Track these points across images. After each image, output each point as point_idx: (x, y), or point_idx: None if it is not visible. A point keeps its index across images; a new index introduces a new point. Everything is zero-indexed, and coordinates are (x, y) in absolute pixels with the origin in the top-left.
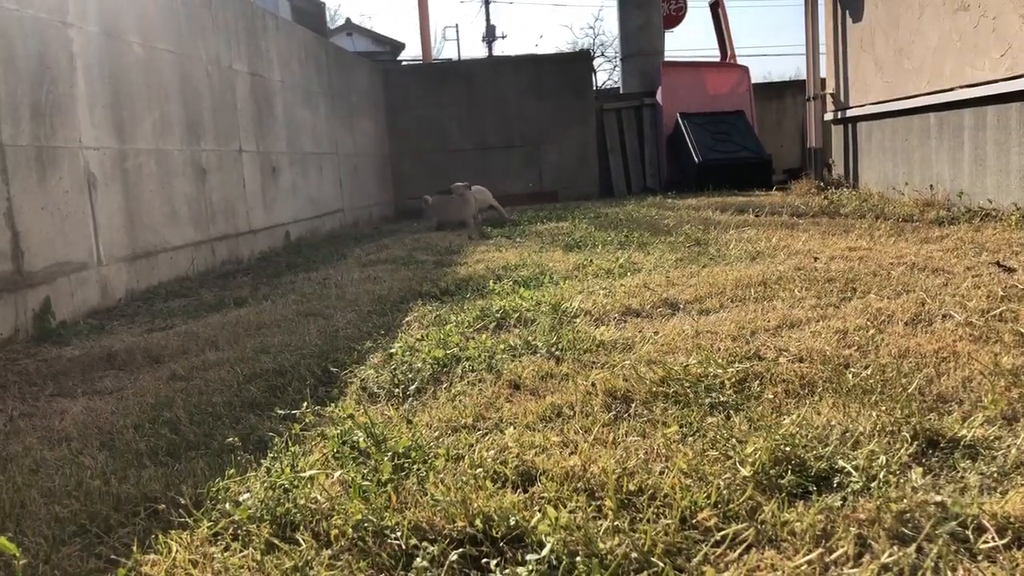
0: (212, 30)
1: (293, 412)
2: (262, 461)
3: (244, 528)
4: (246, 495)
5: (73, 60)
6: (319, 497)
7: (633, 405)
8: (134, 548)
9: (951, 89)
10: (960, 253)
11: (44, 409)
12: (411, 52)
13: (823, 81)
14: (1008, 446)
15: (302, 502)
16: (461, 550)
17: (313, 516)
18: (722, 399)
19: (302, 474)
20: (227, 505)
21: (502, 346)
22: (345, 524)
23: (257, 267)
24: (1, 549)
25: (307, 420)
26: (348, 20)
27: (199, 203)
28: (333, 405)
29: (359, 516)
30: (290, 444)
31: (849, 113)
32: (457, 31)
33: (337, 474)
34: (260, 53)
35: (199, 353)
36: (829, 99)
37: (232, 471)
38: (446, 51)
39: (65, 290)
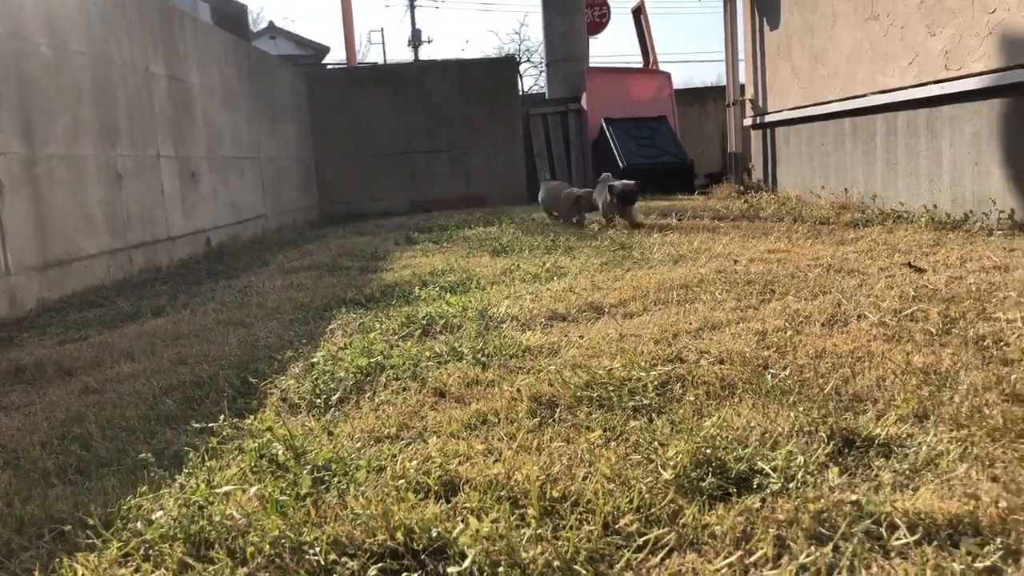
0: (127, 32)
1: (210, 425)
2: (177, 477)
3: (156, 548)
4: (159, 513)
5: None
6: (235, 513)
7: (558, 410)
8: (36, 573)
9: (864, 95)
10: (874, 254)
11: None
12: (336, 56)
13: (743, 87)
14: (919, 443)
15: (217, 519)
16: (381, 564)
17: (229, 533)
18: (645, 402)
19: (218, 490)
20: (139, 524)
21: (427, 353)
22: (262, 541)
23: (176, 275)
24: None
25: (225, 433)
26: (271, 23)
27: (115, 210)
28: (252, 417)
29: (276, 532)
30: (207, 459)
31: (768, 118)
32: (382, 35)
33: (254, 489)
34: (179, 56)
35: (113, 365)
36: (748, 105)
37: (144, 488)
38: (371, 55)
39: None
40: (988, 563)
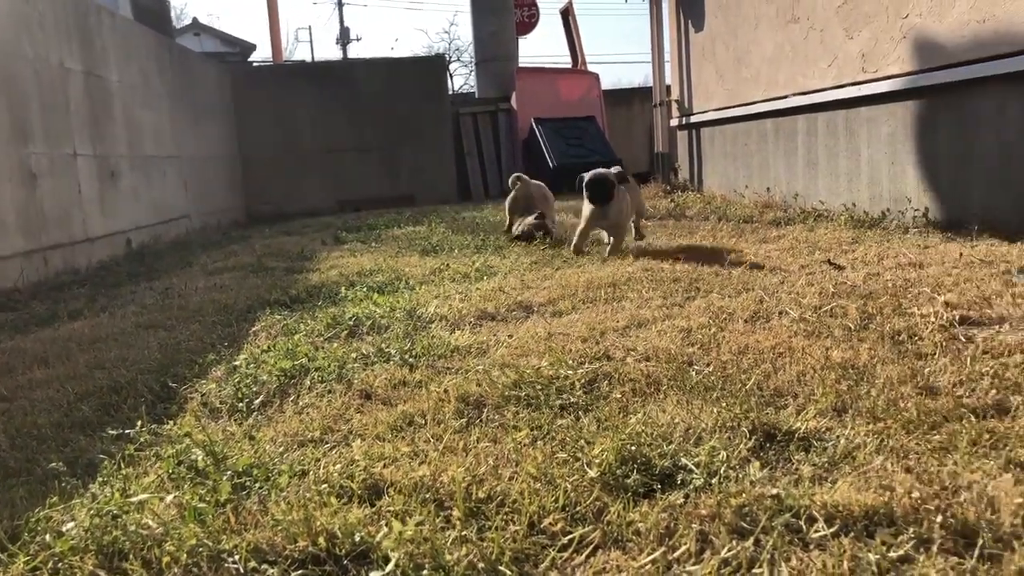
0: (39, 26)
1: (127, 432)
2: (90, 486)
3: (66, 561)
4: (70, 524)
5: None
6: (151, 522)
7: (485, 410)
8: None
9: (785, 97)
10: (795, 252)
11: None
12: (263, 53)
13: (669, 88)
14: (838, 437)
15: (132, 528)
16: (303, 571)
17: (144, 543)
18: (572, 400)
19: (133, 498)
20: (48, 537)
21: (354, 354)
22: (179, 550)
23: (95, 277)
24: None
25: (142, 440)
26: (195, 20)
27: (29, 210)
28: (172, 423)
29: (194, 541)
30: (122, 466)
31: (693, 119)
32: (310, 33)
33: (171, 497)
34: (96, 51)
35: (25, 371)
36: (674, 105)
37: (55, 499)
38: (299, 53)
39: None
40: (901, 552)
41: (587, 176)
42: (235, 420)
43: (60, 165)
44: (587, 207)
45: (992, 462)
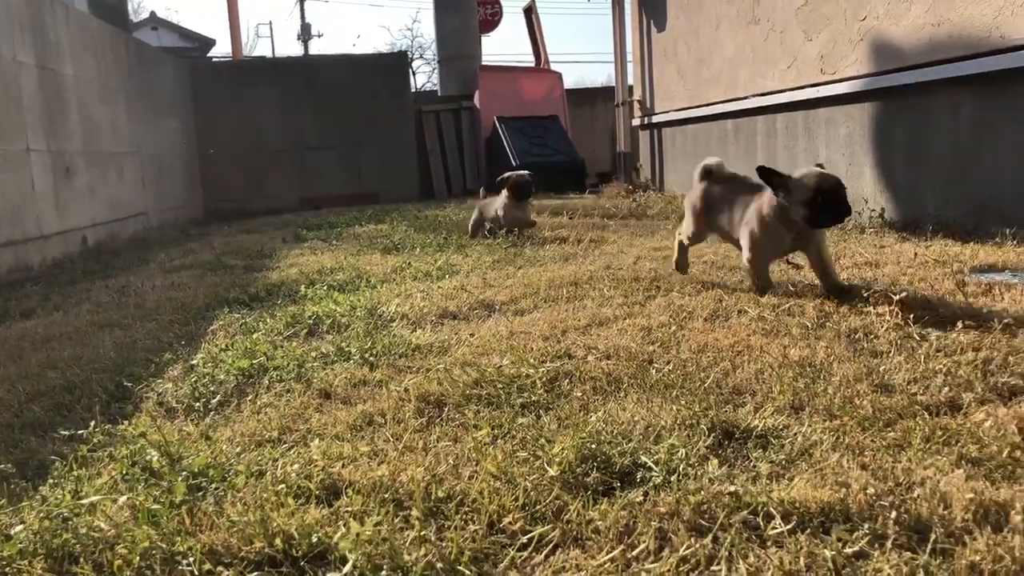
0: None
1: (80, 432)
2: (40, 488)
3: (14, 565)
4: (19, 527)
5: None
6: (103, 525)
7: (446, 409)
8: None
9: (745, 97)
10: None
11: None
12: (222, 49)
13: (631, 88)
14: (795, 434)
15: (83, 531)
16: (258, 573)
17: (96, 546)
18: (533, 399)
19: (84, 500)
20: None
21: (313, 353)
22: (131, 553)
23: (49, 275)
24: None
25: (96, 440)
26: (153, 14)
27: None
28: (126, 423)
29: (147, 543)
30: (74, 467)
31: (655, 119)
32: (271, 28)
33: (123, 498)
34: (50, 45)
35: None
36: (636, 105)
37: (3, 501)
38: (260, 48)
39: None
40: (857, 548)
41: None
42: (192, 420)
43: (12, 161)
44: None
45: (944, 458)
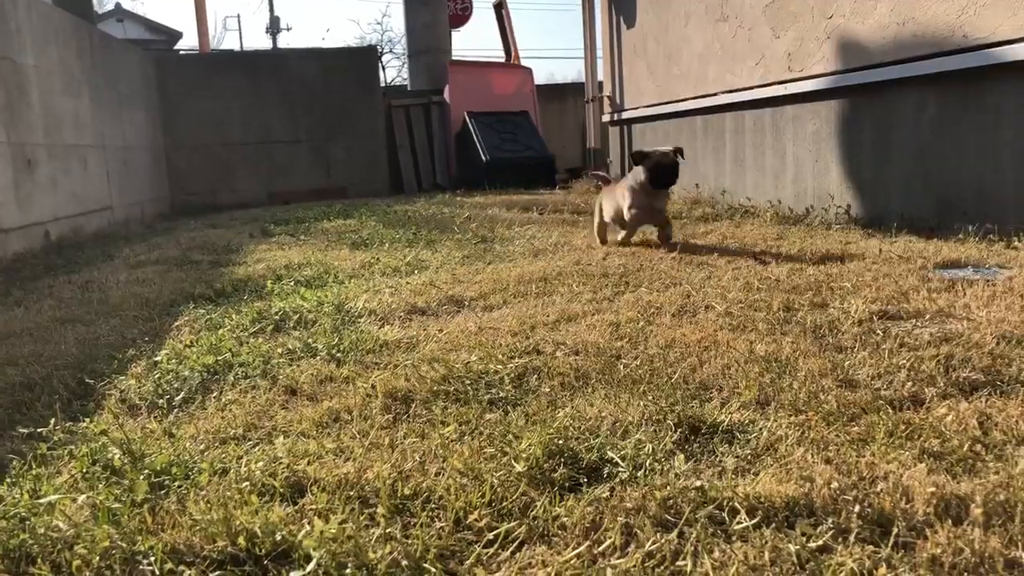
0: None
1: (39, 430)
2: None
3: None
4: None
5: None
6: (62, 524)
7: (413, 406)
8: None
9: (715, 94)
10: (722, 247)
11: None
12: (189, 41)
13: (601, 84)
14: (760, 429)
15: (41, 531)
16: (220, 572)
17: (54, 546)
18: (501, 395)
19: (43, 499)
20: None
21: (280, 350)
22: (91, 552)
23: (10, 270)
24: None
25: (56, 438)
26: (118, 5)
27: None
28: (88, 420)
29: (107, 543)
30: (33, 466)
31: (624, 115)
32: (239, 21)
33: (83, 497)
34: (9, 35)
35: None
36: (606, 101)
37: None
38: (228, 41)
39: None
40: (821, 542)
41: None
42: (155, 417)
43: None
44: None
45: (907, 453)
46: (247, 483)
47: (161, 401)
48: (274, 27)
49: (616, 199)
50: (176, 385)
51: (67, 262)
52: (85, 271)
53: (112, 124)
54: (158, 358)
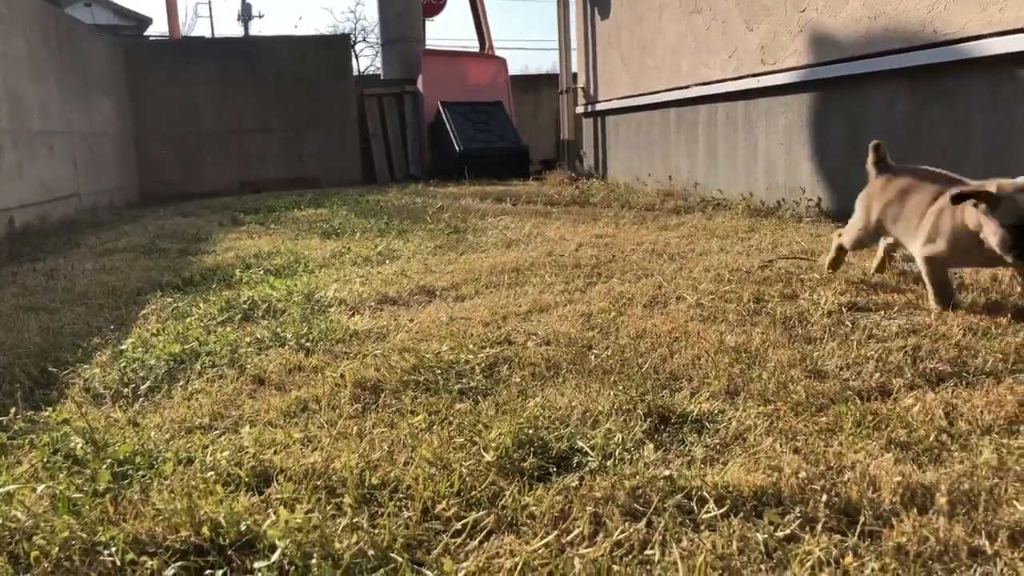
0: None
1: (2, 419)
2: None
3: None
4: None
5: None
6: (20, 515)
7: (382, 395)
8: None
9: (688, 87)
10: (694, 239)
11: None
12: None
13: (575, 75)
14: (729, 419)
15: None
16: (183, 562)
17: (12, 537)
18: (472, 385)
19: (0, 489)
20: None
21: (248, 339)
22: (49, 543)
23: None
24: None
25: (17, 428)
26: None
27: None
28: (50, 409)
29: (67, 533)
30: None
31: (598, 107)
32: (210, 8)
33: (42, 487)
34: None
35: None
36: (580, 93)
37: None
38: (199, 29)
39: None
40: (788, 531)
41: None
42: (119, 406)
43: None
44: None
45: (874, 442)
46: (212, 472)
47: (126, 390)
48: (246, 14)
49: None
50: (142, 374)
51: (32, 250)
52: (50, 259)
53: (80, 110)
54: (124, 347)
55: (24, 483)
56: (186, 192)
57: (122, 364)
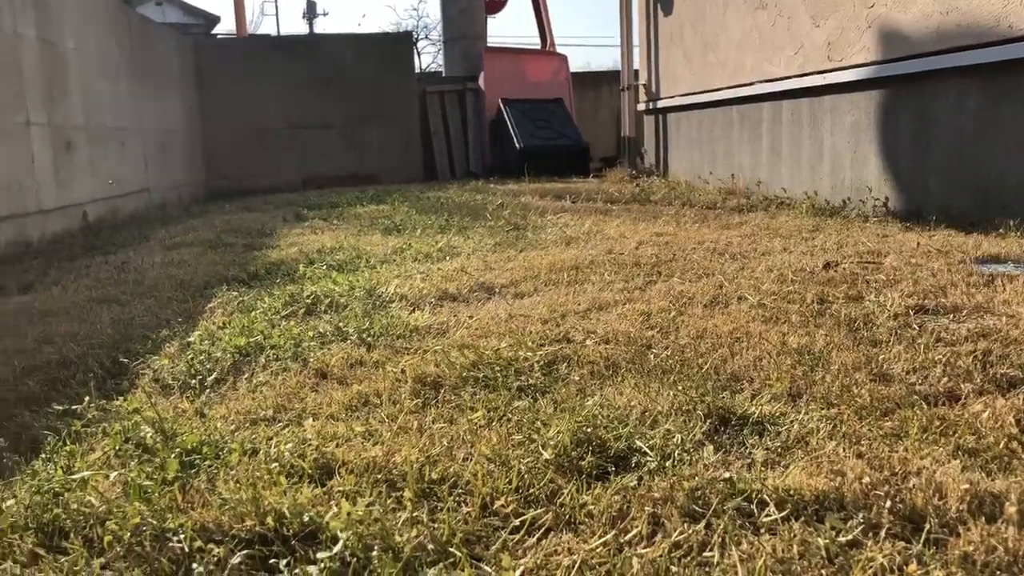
0: None
1: (74, 407)
2: (33, 463)
3: (5, 539)
4: (10, 502)
5: None
6: (94, 500)
7: (442, 391)
8: None
9: (751, 83)
10: (756, 239)
11: None
12: (226, 26)
13: (637, 72)
14: (791, 422)
15: (74, 506)
16: (248, 551)
17: (86, 521)
18: (530, 382)
19: (76, 475)
20: None
21: (311, 333)
22: (121, 528)
23: (49, 250)
24: None
25: (90, 416)
26: None
27: None
28: (121, 399)
29: (138, 519)
30: (67, 443)
31: (660, 104)
32: (276, 6)
33: (115, 474)
34: (51, 19)
35: None
36: (642, 90)
37: None
38: (264, 27)
39: None
40: (850, 537)
41: None
42: (187, 397)
43: (12, 135)
44: None
45: (941, 448)
46: (276, 464)
47: (193, 381)
48: (311, 12)
49: None
50: (208, 366)
51: (104, 243)
52: (121, 252)
53: (150, 108)
54: (191, 339)
55: (97, 470)
56: (249, 188)
57: (189, 356)
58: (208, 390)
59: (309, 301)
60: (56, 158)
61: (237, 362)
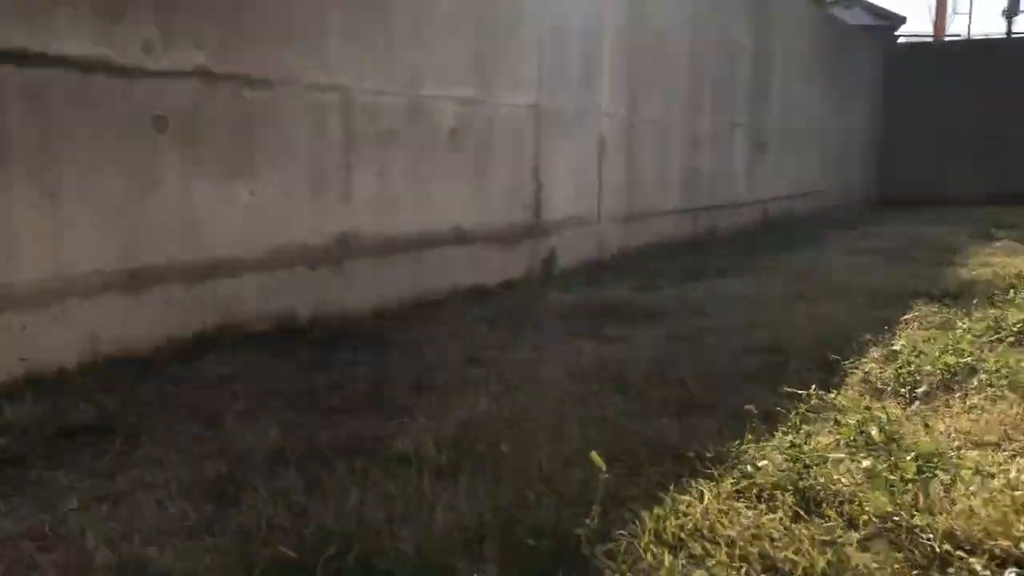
0: (725, 4)
1: (799, 392)
2: (774, 433)
3: (768, 492)
4: (763, 462)
5: (601, 38)
6: (842, 480)
7: None
8: (670, 487)
9: None
10: None
11: (561, 347)
12: (911, 27)
13: None
14: None
15: (823, 480)
16: (998, 567)
17: (836, 497)
18: None
19: (825, 455)
20: (748, 467)
21: None
22: (871, 513)
23: (734, 241)
24: (592, 462)
25: (812, 403)
26: None
27: (688, 173)
28: (835, 392)
29: (888, 508)
30: (799, 422)
31: None
32: (970, 4)
33: (866, 463)
34: (763, 27)
35: (688, 317)
36: None
37: (750, 436)
38: (953, 26)
39: (568, 242)
40: None
41: None
42: (898, 404)
43: (720, 134)
44: None
45: None
46: (1019, 492)
47: (903, 390)
48: (1011, 10)
49: None
50: (917, 378)
51: (782, 240)
52: (799, 251)
53: (834, 112)
54: (896, 347)
55: (841, 454)
56: (925, 198)
57: (896, 365)
58: (918, 401)
59: (1016, 329)
60: (750, 156)
61: (946, 379)
